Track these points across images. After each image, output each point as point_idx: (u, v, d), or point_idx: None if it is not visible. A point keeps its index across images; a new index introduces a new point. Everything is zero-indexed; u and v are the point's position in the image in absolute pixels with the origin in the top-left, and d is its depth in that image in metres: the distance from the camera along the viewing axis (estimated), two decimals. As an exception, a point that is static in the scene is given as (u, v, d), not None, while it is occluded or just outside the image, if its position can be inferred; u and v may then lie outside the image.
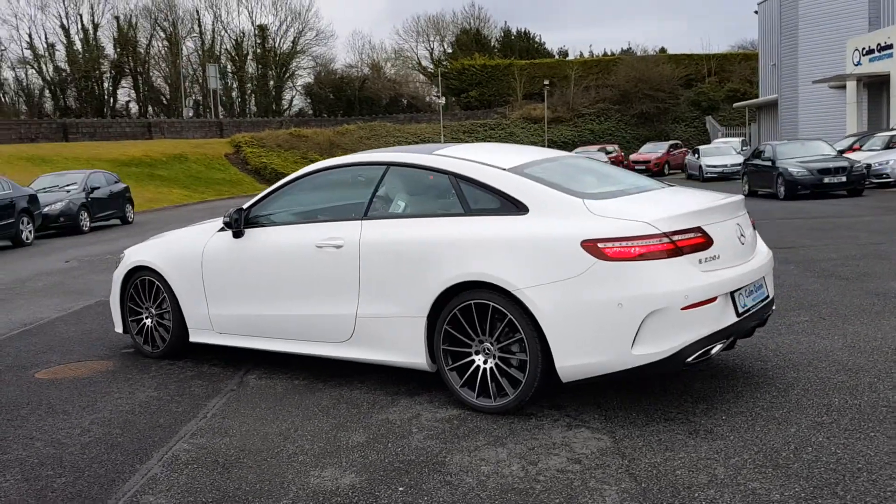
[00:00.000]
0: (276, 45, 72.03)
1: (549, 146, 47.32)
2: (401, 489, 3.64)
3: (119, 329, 6.48)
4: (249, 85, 72.63)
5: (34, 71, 66.36)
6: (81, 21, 66.38)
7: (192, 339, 5.97)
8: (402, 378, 5.21)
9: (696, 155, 32.10)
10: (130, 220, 22.29)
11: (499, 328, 4.41)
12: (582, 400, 4.68)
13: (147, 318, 6.26)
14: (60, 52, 65.96)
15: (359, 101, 69.89)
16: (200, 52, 69.26)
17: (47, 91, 67.23)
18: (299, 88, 75.76)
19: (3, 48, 61.43)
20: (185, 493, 3.72)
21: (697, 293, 3.87)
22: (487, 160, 4.75)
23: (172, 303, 5.98)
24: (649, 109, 56.43)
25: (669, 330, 3.84)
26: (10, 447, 4.46)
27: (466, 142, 50.57)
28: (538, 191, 4.37)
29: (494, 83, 62.89)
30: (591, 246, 3.96)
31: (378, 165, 5.25)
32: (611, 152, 41.35)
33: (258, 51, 71.69)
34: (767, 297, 4.62)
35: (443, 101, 58.92)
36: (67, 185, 20.31)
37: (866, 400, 4.45)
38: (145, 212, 27.87)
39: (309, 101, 75.06)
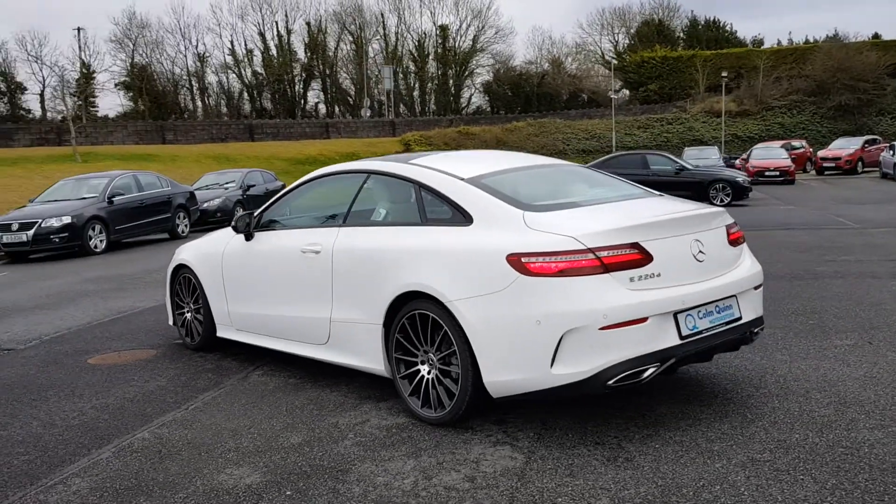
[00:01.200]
0: (457, 44, 73.79)
1: (728, 141, 44.83)
2: (287, 493, 3.73)
3: (170, 321, 7.02)
4: (430, 84, 74.81)
5: (234, 75, 72.60)
6: (277, 27, 71.81)
7: (217, 333, 6.36)
8: (382, 384, 5.24)
9: (893, 151, 28.44)
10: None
11: (437, 339, 4.38)
12: (530, 417, 4.51)
13: (187, 312, 6.73)
14: (257, 58, 71.74)
15: (536, 98, 69.88)
16: (384, 54, 72.27)
17: (245, 94, 73.26)
18: (478, 86, 77.10)
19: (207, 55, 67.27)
20: (109, 478, 4.03)
21: (620, 312, 3.67)
22: (452, 169, 4.71)
23: (203, 299, 6.41)
24: (849, 101, 51.54)
25: (588, 350, 3.68)
26: (10, 424, 5.01)
27: (638, 137, 49.11)
28: (484, 202, 4.30)
29: (675, 76, 60.30)
30: (515, 260, 3.87)
31: (359, 174, 5.34)
32: (797, 148, 38.29)
33: (439, 50, 73.71)
34: (737, 318, 4.23)
35: (617, 95, 57.42)
36: (226, 183, 22.04)
37: (829, 438, 3.96)
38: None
39: (487, 98, 76.11)
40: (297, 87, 72.83)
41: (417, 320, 4.45)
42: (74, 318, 8.52)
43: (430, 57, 73.83)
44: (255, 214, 5.94)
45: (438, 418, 4.40)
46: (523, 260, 3.82)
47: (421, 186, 4.70)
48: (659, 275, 3.82)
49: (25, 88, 67.42)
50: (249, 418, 4.85)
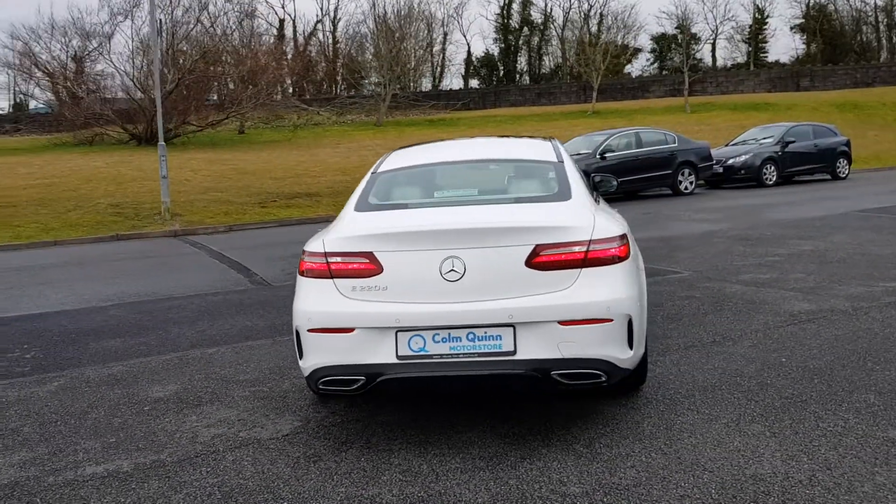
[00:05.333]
0: None
1: None
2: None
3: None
4: None
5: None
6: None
7: None
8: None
9: None
10: (843, 175, 20.15)
11: None
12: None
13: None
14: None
15: None
16: None
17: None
18: None
19: None
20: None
21: (324, 318, 3.55)
22: (390, 163, 4.68)
23: None
24: None
25: (307, 349, 3.64)
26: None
27: None
28: (349, 200, 4.30)
29: None
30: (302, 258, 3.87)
31: None
32: None
33: None
34: (507, 352, 3.42)
35: None
36: (764, 139, 19.77)
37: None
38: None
39: None
40: None
41: None
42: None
43: None
44: None
45: None
46: (302, 258, 3.84)
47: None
48: (386, 288, 3.52)
49: (699, 39, 70.73)
50: (219, 416, 4.58)
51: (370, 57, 44.77)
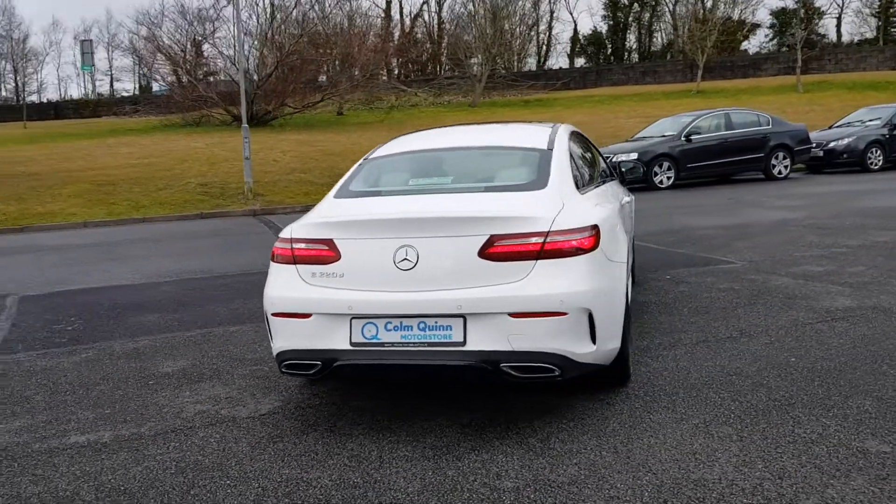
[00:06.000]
0: None
1: None
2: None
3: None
4: None
5: None
6: None
7: None
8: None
9: None
10: (959, 160, 18.68)
11: None
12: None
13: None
14: None
15: None
16: None
17: None
18: None
19: None
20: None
21: (284, 303, 3.64)
22: (384, 149, 4.77)
23: None
24: None
25: (273, 332, 3.75)
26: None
27: None
28: (335, 186, 4.36)
29: None
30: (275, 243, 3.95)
31: None
32: None
33: None
34: (456, 342, 3.39)
35: None
36: (871, 120, 18.53)
37: None
38: None
39: None
40: None
41: None
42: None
43: None
44: None
45: None
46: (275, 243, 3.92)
47: None
48: (342, 275, 3.56)
49: (823, 13, 66.69)
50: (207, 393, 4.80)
51: (469, 38, 44.54)
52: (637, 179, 16.26)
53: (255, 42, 35.03)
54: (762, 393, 3.88)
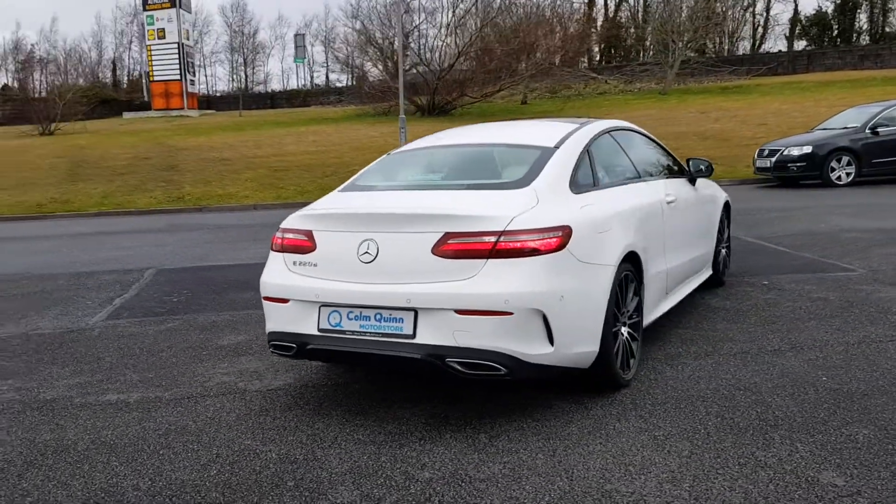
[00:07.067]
0: None
1: None
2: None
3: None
4: None
5: None
6: None
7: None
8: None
9: None
10: None
11: None
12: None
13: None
14: None
15: None
16: None
17: None
18: None
19: None
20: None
21: (270, 289, 3.94)
22: (410, 144, 4.98)
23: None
24: None
25: (265, 314, 4.04)
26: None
27: None
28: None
29: None
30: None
31: None
32: None
33: None
34: (406, 335, 3.53)
35: None
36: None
37: None
38: None
39: None
40: None
41: None
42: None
43: None
44: None
45: None
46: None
47: None
48: (316, 265, 3.81)
49: None
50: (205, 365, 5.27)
51: (679, 20, 42.43)
52: (807, 175, 15.10)
53: (440, 32, 36.05)
54: (755, 411, 3.63)
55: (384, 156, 4.83)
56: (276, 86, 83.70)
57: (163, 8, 49.05)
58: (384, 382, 4.30)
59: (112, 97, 57.23)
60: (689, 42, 39.21)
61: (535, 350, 3.42)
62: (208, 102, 55.19)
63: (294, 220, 3.99)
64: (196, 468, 3.30)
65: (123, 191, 17.90)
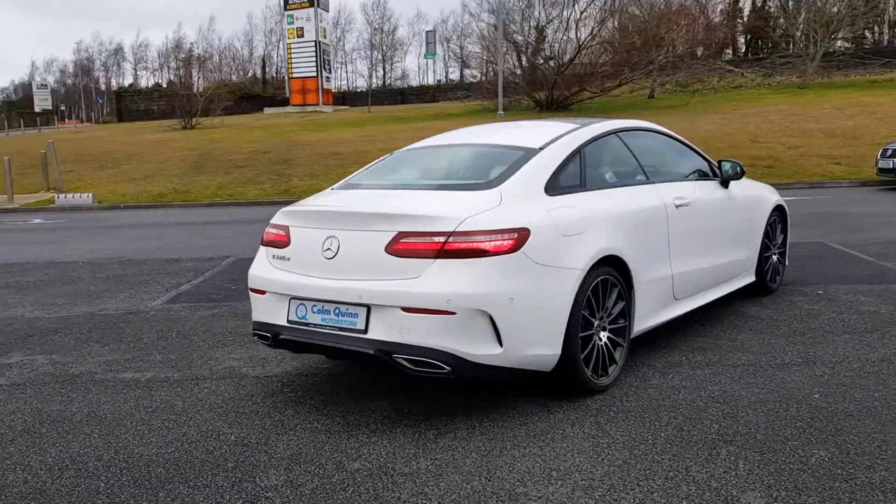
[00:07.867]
0: None
1: None
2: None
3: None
4: None
5: None
6: None
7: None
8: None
9: None
10: None
11: None
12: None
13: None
14: None
15: None
16: None
17: None
18: None
19: None
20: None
21: (254, 281, 4.17)
22: (416, 143, 5.11)
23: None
24: None
25: (251, 304, 4.26)
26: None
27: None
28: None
29: None
30: None
31: None
32: None
33: None
34: (359, 329, 3.65)
35: None
36: None
37: None
38: None
39: None
40: None
41: None
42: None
43: None
44: None
45: None
46: None
47: None
48: (289, 259, 3.99)
49: None
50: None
51: (836, 9, 39.53)
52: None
53: (562, 26, 35.54)
54: (719, 425, 3.50)
55: (388, 155, 4.95)
56: (413, 82, 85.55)
57: (302, 7, 51.30)
58: (377, 375, 4.42)
59: (256, 93, 60.50)
60: (844, 31, 36.62)
61: (480, 350, 3.45)
62: (343, 98, 57.22)
63: (277, 216, 4.19)
64: (159, 445, 3.55)
65: (237, 183, 18.99)
